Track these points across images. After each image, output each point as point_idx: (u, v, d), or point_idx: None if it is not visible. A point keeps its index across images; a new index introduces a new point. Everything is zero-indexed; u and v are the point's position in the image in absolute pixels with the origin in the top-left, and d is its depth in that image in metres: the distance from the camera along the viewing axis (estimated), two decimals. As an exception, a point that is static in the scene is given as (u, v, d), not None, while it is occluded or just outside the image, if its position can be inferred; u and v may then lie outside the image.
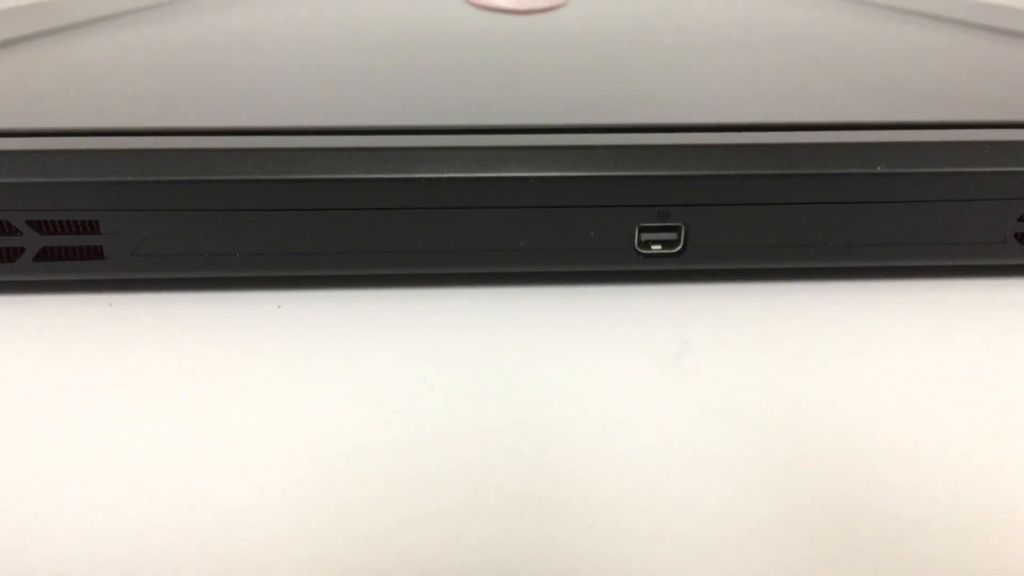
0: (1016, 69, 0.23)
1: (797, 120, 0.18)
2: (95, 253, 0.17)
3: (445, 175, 0.17)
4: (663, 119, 0.18)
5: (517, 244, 0.17)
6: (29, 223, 0.17)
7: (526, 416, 0.15)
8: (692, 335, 0.17)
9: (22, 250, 0.17)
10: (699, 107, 0.20)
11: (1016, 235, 0.18)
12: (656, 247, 0.18)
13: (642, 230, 0.17)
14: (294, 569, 0.12)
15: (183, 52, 0.25)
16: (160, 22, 0.29)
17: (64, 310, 0.18)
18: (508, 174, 0.17)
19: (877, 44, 0.26)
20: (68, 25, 0.28)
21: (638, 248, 0.18)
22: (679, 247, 0.18)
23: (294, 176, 0.16)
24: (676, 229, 0.18)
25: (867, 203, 0.17)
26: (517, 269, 0.18)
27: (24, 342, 0.17)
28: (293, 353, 0.16)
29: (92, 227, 0.17)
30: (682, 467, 0.13)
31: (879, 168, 0.17)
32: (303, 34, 0.28)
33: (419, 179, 0.17)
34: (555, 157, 0.17)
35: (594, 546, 0.12)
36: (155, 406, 0.15)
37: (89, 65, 0.23)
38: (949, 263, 0.18)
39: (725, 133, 0.17)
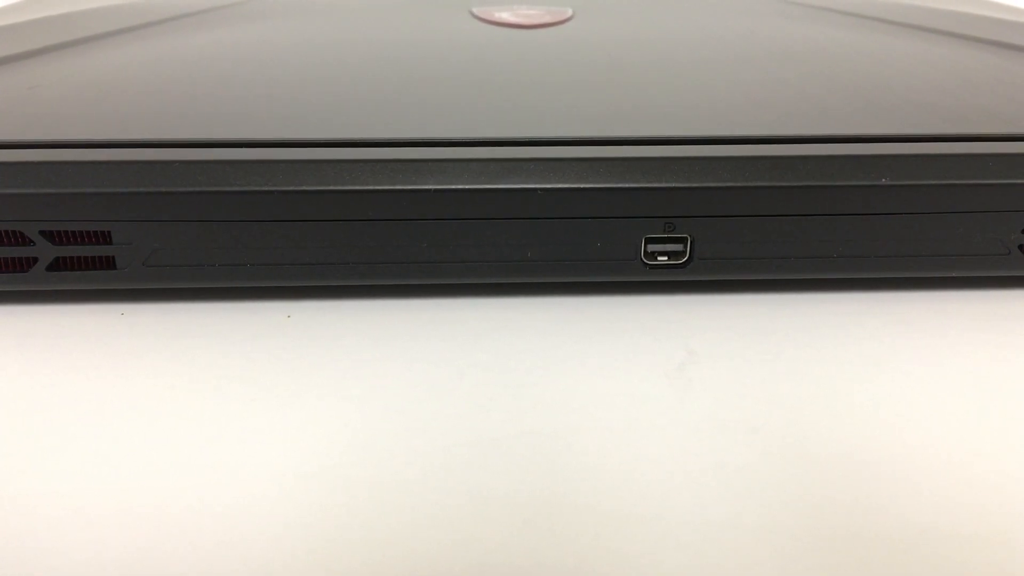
0: (1020, 82, 0.23)
1: (803, 133, 0.18)
2: (107, 263, 0.17)
3: (453, 186, 0.17)
4: (669, 131, 0.18)
5: (524, 255, 0.18)
6: (42, 233, 0.17)
7: (533, 425, 0.15)
8: (697, 345, 0.17)
9: (35, 260, 0.17)
10: (705, 119, 0.20)
11: (1020, 247, 0.18)
12: (662, 258, 0.18)
13: (648, 241, 0.18)
14: (304, 576, 0.12)
15: (195, 65, 0.25)
16: (172, 35, 0.30)
17: (76, 319, 0.18)
18: (515, 186, 0.17)
19: (882, 58, 0.26)
20: (80, 39, 0.28)
21: (644, 259, 0.18)
22: (685, 258, 0.18)
23: (304, 187, 0.17)
24: (682, 240, 0.18)
25: (872, 215, 0.17)
26: (524, 280, 0.18)
27: (37, 351, 0.17)
28: (302, 362, 0.17)
29: (104, 237, 0.17)
30: (687, 476, 0.14)
31: (884, 180, 0.17)
32: (313, 47, 0.28)
33: (427, 190, 0.17)
34: (562, 169, 0.17)
35: (600, 554, 0.12)
36: (165, 414, 0.15)
37: (101, 77, 0.23)
38: (954, 275, 0.19)
39: (731, 145, 0.18)
